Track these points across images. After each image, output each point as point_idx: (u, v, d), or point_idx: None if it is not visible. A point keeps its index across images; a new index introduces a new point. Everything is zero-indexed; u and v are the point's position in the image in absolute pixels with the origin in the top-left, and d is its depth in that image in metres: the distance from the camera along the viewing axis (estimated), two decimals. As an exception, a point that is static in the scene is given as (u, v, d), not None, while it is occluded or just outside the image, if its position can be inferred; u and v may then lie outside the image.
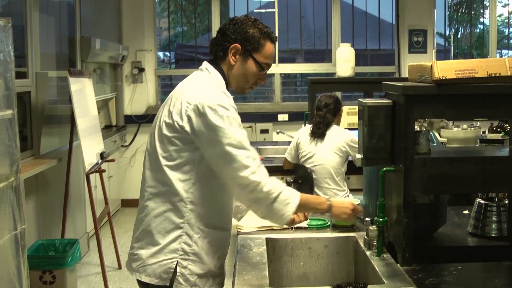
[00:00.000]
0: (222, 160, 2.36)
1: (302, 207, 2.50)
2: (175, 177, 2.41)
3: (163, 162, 2.43)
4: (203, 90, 2.44)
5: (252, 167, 2.35)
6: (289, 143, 5.36)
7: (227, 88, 2.54)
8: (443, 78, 2.39)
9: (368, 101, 2.60)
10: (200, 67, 2.60)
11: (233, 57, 2.53)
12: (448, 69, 2.40)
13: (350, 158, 4.86)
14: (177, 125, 2.39)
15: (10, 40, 3.35)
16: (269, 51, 2.56)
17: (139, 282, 2.52)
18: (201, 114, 2.36)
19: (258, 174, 2.37)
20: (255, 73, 2.57)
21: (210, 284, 2.49)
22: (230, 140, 2.35)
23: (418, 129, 2.56)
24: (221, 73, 2.55)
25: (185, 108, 2.39)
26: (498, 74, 2.41)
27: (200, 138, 2.36)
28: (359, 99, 2.66)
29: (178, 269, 2.41)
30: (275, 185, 2.41)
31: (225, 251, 2.57)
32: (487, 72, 2.41)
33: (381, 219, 2.59)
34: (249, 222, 3.14)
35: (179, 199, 2.41)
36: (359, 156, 2.65)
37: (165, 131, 2.43)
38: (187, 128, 2.37)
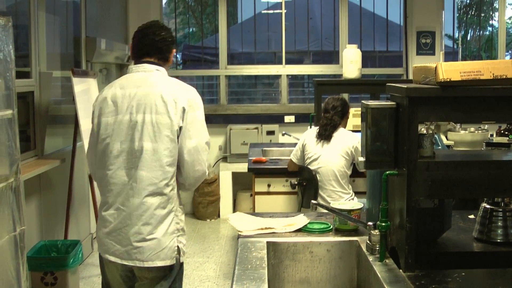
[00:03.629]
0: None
1: None
2: (172, 171, 2.87)
3: (164, 160, 2.83)
4: (186, 87, 2.97)
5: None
6: (294, 145, 5.32)
7: None
8: (448, 80, 2.34)
9: (371, 103, 2.54)
10: (149, 68, 2.98)
11: (172, 58, 3.08)
12: (453, 70, 2.35)
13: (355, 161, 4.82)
14: (176, 123, 2.83)
15: (11, 40, 3.32)
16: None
17: (150, 268, 2.86)
18: (194, 109, 2.89)
19: None
20: None
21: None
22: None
23: (425, 131, 2.51)
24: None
25: (182, 105, 2.85)
26: (504, 76, 2.36)
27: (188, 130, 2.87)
28: (362, 101, 2.61)
29: (180, 245, 2.91)
30: None
31: None
32: (493, 74, 2.35)
33: (383, 224, 2.54)
34: (249, 226, 3.10)
35: (171, 189, 2.88)
36: (361, 159, 2.60)
37: (166, 131, 2.82)
38: (182, 123, 2.85)
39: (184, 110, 2.85)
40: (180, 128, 2.85)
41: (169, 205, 2.87)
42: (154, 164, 2.82)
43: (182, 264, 3.01)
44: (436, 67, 2.36)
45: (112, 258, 2.89)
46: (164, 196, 2.85)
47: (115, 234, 2.87)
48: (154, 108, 2.83)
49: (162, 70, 3.00)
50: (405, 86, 2.40)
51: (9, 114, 3.29)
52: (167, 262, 2.87)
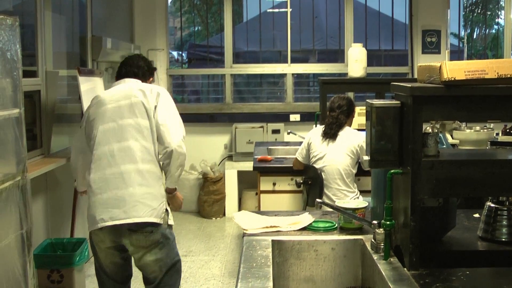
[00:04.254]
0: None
1: None
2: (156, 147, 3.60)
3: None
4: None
5: None
6: (299, 143, 5.33)
7: None
8: (452, 79, 2.35)
9: (376, 101, 2.55)
10: (129, 80, 3.89)
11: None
12: (458, 69, 2.35)
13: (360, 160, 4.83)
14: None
15: (18, 39, 3.34)
16: None
17: (144, 224, 3.42)
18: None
19: None
20: None
21: None
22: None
23: (430, 130, 2.52)
24: None
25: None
26: (509, 75, 2.36)
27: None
28: (367, 100, 2.62)
29: (167, 207, 3.59)
30: None
31: None
32: (498, 73, 2.36)
33: (388, 222, 2.55)
34: (254, 224, 3.12)
35: (157, 160, 3.59)
36: (366, 158, 2.61)
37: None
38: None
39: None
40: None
41: None
42: None
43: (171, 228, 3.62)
44: (440, 66, 2.37)
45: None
46: None
47: None
48: None
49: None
50: (410, 85, 2.41)
51: (16, 113, 3.31)
52: (159, 220, 3.47)
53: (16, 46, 3.32)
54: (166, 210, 3.56)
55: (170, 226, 3.59)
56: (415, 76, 8.24)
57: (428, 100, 2.40)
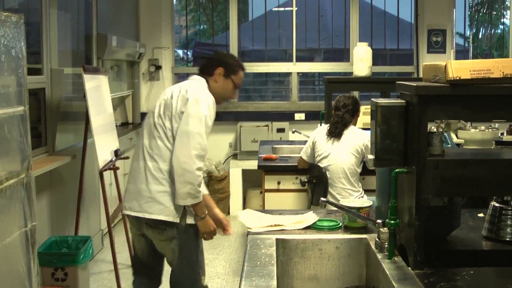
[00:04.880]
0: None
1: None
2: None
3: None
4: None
5: None
6: (304, 142, 5.33)
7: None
8: (458, 78, 2.34)
9: (381, 101, 2.55)
10: (192, 76, 3.68)
11: (217, 76, 3.63)
12: (463, 69, 2.35)
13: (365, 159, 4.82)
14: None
15: (23, 37, 3.34)
16: (241, 76, 3.71)
17: (158, 221, 3.43)
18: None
19: None
20: (232, 90, 3.71)
21: None
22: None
23: (435, 129, 2.51)
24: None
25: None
26: (514, 75, 2.35)
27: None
28: (372, 99, 2.61)
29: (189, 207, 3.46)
30: None
31: None
32: (503, 72, 2.35)
33: (392, 221, 2.54)
34: (259, 223, 3.12)
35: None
36: (371, 157, 2.60)
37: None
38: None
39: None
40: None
41: None
42: None
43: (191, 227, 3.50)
44: (446, 66, 2.36)
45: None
46: None
47: None
48: None
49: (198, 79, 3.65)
50: (415, 84, 2.40)
51: (21, 111, 3.31)
52: (170, 218, 3.43)
53: (21, 44, 3.33)
54: (185, 209, 3.46)
55: (190, 225, 3.49)
56: (420, 75, 8.22)
57: (433, 99, 2.40)
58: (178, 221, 3.43)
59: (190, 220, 3.48)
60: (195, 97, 3.42)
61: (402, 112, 2.50)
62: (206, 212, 3.50)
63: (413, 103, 2.42)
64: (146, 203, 3.44)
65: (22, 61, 3.32)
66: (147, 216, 3.43)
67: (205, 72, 3.65)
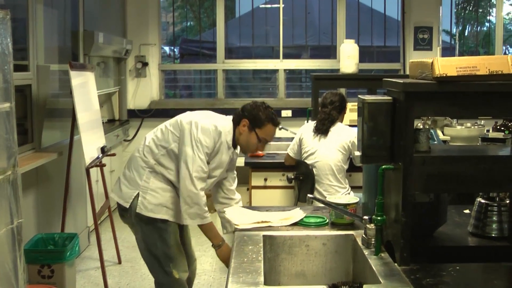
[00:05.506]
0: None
1: (206, 228, 3.56)
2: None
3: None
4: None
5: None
6: (291, 139, 5.34)
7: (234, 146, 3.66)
8: (444, 75, 2.35)
9: (368, 97, 2.55)
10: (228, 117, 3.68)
11: (242, 127, 3.56)
12: (449, 66, 2.36)
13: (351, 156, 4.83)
14: None
15: (9, 33, 3.31)
16: (268, 130, 3.56)
17: (118, 203, 3.66)
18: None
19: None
20: (255, 142, 3.58)
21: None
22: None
23: (421, 126, 2.52)
24: (234, 131, 3.60)
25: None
26: (500, 72, 2.37)
27: None
28: (359, 96, 2.62)
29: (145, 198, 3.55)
30: None
31: None
32: (489, 69, 2.37)
33: (379, 218, 2.56)
34: (246, 219, 3.12)
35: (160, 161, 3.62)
36: (358, 153, 2.61)
37: None
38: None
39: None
40: None
41: None
42: None
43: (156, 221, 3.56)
44: (432, 63, 2.37)
45: None
46: None
47: None
48: None
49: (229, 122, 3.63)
50: (402, 81, 2.41)
51: (7, 107, 3.28)
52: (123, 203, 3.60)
53: (7, 40, 3.30)
54: (141, 199, 3.55)
55: (155, 220, 3.57)
56: (407, 72, 8.25)
57: (420, 96, 2.41)
58: (127, 206, 3.56)
59: (152, 214, 3.55)
60: (188, 124, 3.52)
61: (389, 109, 2.51)
62: (223, 239, 3.58)
63: (400, 100, 2.44)
64: (115, 184, 3.73)
65: (8, 57, 3.29)
66: (110, 195, 3.75)
67: (234, 121, 3.62)
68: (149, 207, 3.56)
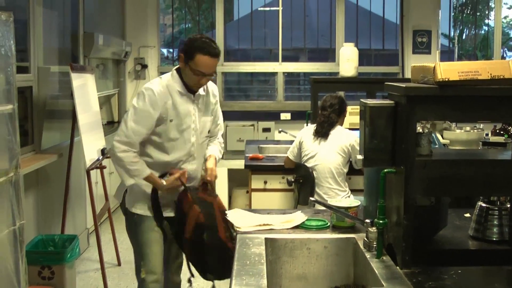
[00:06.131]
0: None
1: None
2: None
3: None
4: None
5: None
6: (290, 142, 5.35)
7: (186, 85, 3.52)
8: (446, 79, 2.37)
9: (370, 101, 2.57)
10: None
11: (180, 64, 3.48)
12: (451, 70, 2.38)
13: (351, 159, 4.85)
14: None
15: (12, 35, 3.33)
16: (199, 61, 3.38)
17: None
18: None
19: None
20: (191, 76, 3.44)
21: None
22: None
23: (421, 130, 2.54)
24: (179, 75, 3.52)
25: None
26: (501, 77, 2.39)
27: None
28: (361, 99, 2.63)
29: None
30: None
31: None
32: (491, 74, 2.38)
33: (381, 221, 2.57)
34: (248, 222, 3.13)
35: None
36: (360, 157, 2.62)
37: None
38: None
39: None
40: None
41: None
42: None
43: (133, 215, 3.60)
44: (434, 67, 2.39)
45: None
46: None
47: None
48: None
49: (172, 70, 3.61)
50: (404, 85, 2.43)
51: (10, 109, 3.30)
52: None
53: (10, 42, 3.32)
54: (128, 190, 3.61)
55: (133, 214, 3.60)
56: (406, 76, 8.31)
57: (422, 100, 2.42)
58: (120, 200, 3.69)
59: (134, 209, 3.59)
60: (142, 89, 3.50)
61: (391, 112, 2.52)
62: (163, 182, 3.51)
63: (402, 104, 2.45)
64: None
65: (11, 59, 3.31)
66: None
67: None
68: (128, 200, 3.63)
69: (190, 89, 3.53)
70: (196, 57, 3.38)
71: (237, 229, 3.08)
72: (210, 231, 3.37)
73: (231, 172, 7.78)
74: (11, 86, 3.35)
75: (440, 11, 8.47)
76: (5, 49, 3.26)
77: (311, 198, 3.06)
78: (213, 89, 3.75)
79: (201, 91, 3.59)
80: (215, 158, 3.75)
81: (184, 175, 3.54)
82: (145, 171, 3.46)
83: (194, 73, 3.41)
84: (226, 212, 3.47)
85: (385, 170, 2.54)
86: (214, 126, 3.80)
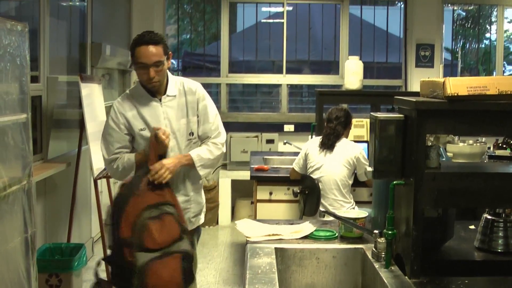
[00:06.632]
0: None
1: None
2: None
3: None
4: None
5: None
6: (294, 153, 5.40)
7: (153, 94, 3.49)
8: (455, 94, 2.43)
9: (380, 114, 2.63)
10: None
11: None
12: (460, 85, 2.44)
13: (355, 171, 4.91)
14: None
15: (27, 45, 3.40)
16: (137, 53, 3.34)
17: None
18: None
19: None
20: (138, 72, 3.38)
21: None
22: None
23: (429, 143, 2.60)
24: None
25: None
26: (509, 92, 2.45)
27: None
28: (371, 113, 2.70)
29: None
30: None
31: None
32: (498, 89, 2.45)
33: (390, 232, 2.62)
34: (257, 232, 3.18)
35: None
36: (369, 169, 2.68)
37: None
38: None
39: None
40: None
41: None
42: None
43: None
44: (444, 82, 2.45)
45: None
46: None
47: None
48: None
49: None
50: (414, 100, 2.49)
51: (24, 118, 3.36)
52: None
53: (25, 52, 3.38)
54: None
55: None
56: (409, 89, 8.38)
57: (431, 114, 2.48)
58: None
59: None
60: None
61: (401, 125, 2.59)
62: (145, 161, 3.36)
63: (412, 117, 2.51)
64: None
65: (26, 69, 3.38)
66: None
67: None
68: None
69: (154, 94, 3.46)
70: (135, 52, 3.35)
71: (247, 238, 3.12)
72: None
73: (235, 183, 7.83)
74: (25, 95, 3.41)
75: (443, 25, 8.54)
76: (20, 59, 3.32)
77: (321, 209, 3.12)
78: (190, 87, 3.57)
79: (170, 92, 3.50)
80: (183, 156, 3.51)
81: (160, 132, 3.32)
82: (130, 160, 3.44)
83: (138, 68, 3.36)
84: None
85: (394, 182, 2.59)
86: (203, 126, 3.66)
